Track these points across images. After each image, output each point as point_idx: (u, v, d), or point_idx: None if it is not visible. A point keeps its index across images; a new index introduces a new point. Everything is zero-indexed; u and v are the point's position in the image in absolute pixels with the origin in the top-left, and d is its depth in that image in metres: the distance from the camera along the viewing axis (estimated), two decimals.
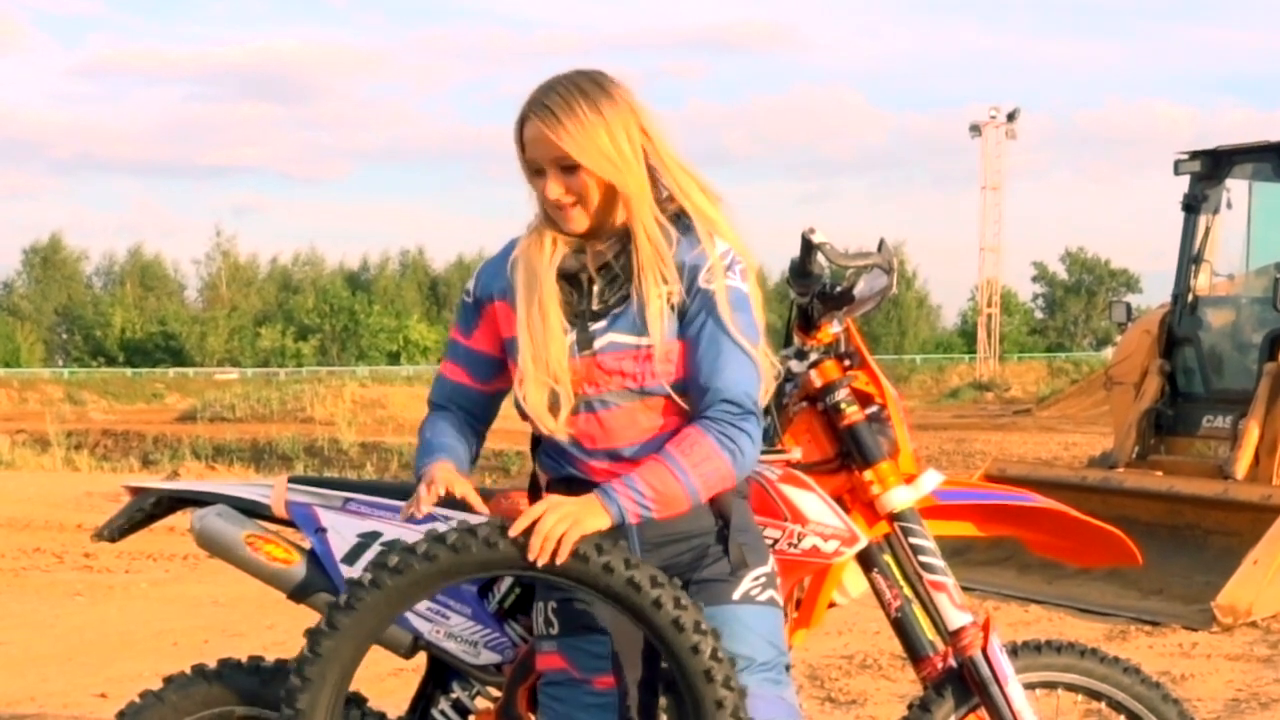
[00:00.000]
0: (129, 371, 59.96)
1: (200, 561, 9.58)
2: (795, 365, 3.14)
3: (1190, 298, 10.62)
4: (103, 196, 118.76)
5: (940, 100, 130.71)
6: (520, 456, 18.42)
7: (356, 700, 3.06)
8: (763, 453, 2.94)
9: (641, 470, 2.58)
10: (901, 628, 3.16)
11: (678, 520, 2.65)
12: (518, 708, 2.87)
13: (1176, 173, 10.68)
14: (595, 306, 2.66)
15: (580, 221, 2.66)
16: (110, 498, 12.44)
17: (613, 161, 2.62)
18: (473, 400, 2.84)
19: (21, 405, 43.52)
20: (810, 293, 3.08)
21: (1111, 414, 11.34)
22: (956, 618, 3.11)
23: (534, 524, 2.49)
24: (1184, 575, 8.31)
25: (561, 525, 2.48)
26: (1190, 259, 10.62)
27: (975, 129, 50.72)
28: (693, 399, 2.65)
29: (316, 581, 3.03)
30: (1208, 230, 10.61)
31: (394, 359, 67.96)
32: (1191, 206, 10.64)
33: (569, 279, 2.68)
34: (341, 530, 3.04)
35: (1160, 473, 9.65)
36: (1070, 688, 3.23)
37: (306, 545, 3.07)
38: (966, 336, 64.87)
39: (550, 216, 2.69)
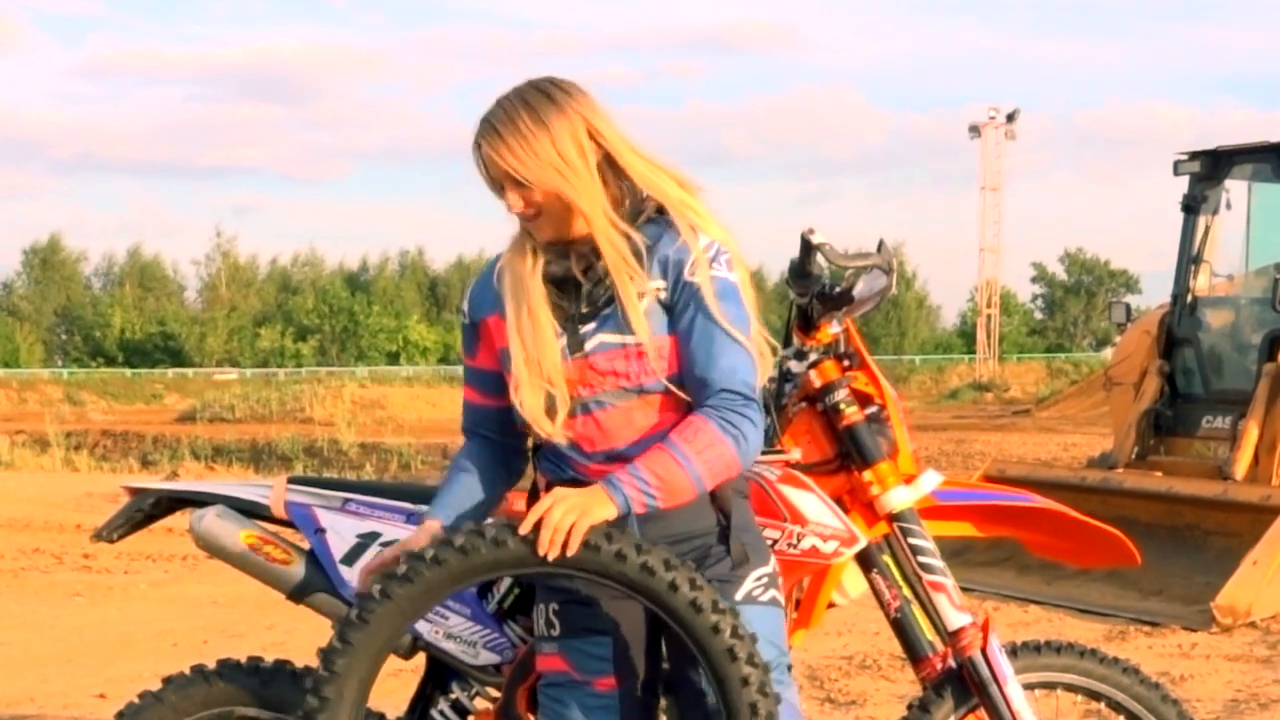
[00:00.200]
0: (128, 372, 59.96)
1: (199, 562, 9.58)
2: (795, 366, 3.14)
3: (1190, 298, 10.62)
4: (102, 197, 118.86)
5: (940, 100, 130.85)
6: None
7: None
8: (763, 453, 2.95)
9: (645, 459, 2.57)
10: (901, 628, 3.16)
11: (679, 520, 2.65)
12: (517, 708, 2.88)
13: (1176, 173, 10.68)
14: (584, 309, 2.66)
15: (546, 230, 2.67)
16: (109, 498, 12.43)
17: (559, 171, 2.61)
18: (494, 419, 2.82)
19: (21, 406, 43.52)
20: (810, 293, 3.08)
21: (1111, 414, 11.34)
22: (956, 618, 3.11)
23: (541, 519, 2.48)
24: (1183, 576, 8.31)
25: (570, 517, 2.47)
26: (1190, 259, 10.62)
27: (975, 129, 50.72)
28: (691, 393, 2.64)
29: (315, 582, 3.03)
30: (1207, 231, 10.62)
31: (393, 359, 67.98)
32: (1191, 207, 10.64)
33: (558, 283, 2.68)
34: (341, 531, 3.04)
35: (1160, 473, 9.65)
36: (1070, 688, 3.23)
37: (306, 546, 3.07)
38: (966, 337, 64.89)
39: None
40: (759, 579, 2.72)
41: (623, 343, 2.63)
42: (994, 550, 8.73)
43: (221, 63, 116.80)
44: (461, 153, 2.71)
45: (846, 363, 3.13)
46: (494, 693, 2.98)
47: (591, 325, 2.66)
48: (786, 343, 3.18)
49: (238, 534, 3.05)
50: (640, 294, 2.62)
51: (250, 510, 3.11)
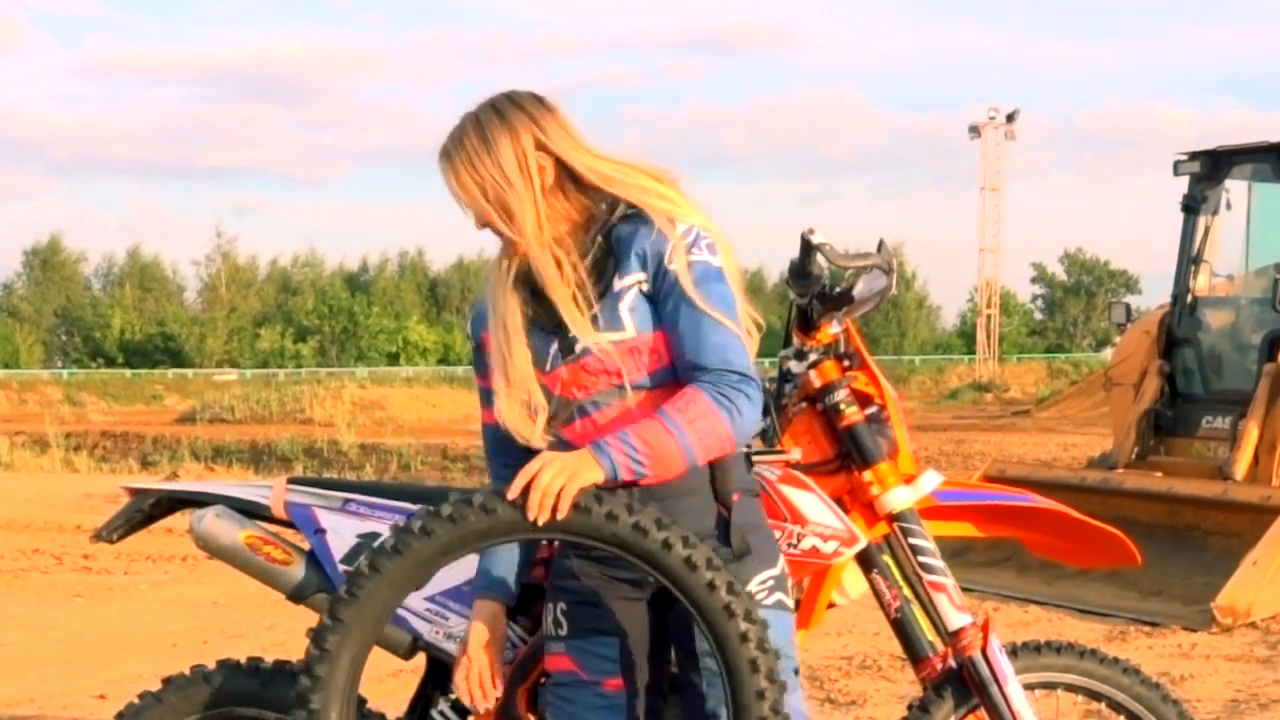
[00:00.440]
0: (128, 373, 59.94)
1: (199, 563, 9.58)
2: (795, 366, 3.14)
3: (1190, 298, 10.62)
4: (102, 197, 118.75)
5: (940, 101, 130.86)
6: None
7: (356, 701, 3.05)
8: (762, 453, 2.95)
9: (635, 425, 2.55)
10: (901, 628, 3.16)
11: (685, 520, 2.63)
12: (517, 708, 2.88)
13: (1176, 173, 10.69)
14: None
15: (516, 243, 2.68)
16: (109, 499, 12.43)
17: (500, 189, 2.62)
18: (512, 440, 2.78)
19: (21, 407, 43.51)
20: (810, 293, 3.08)
21: (1111, 415, 11.34)
22: (956, 618, 3.11)
23: (530, 483, 2.45)
24: (1184, 576, 8.31)
25: (559, 480, 2.45)
26: (1190, 260, 10.63)
27: (974, 130, 50.68)
28: (684, 380, 2.63)
29: (315, 582, 3.03)
30: (1207, 231, 10.62)
31: (393, 360, 67.95)
32: (1191, 207, 10.65)
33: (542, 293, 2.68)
34: (341, 531, 3.04)
35: (1160, 473, 9.65)
36: (1070, 688, 3.23)
37: (306, 546, 3.07)
38: (966, 337, 64.86)
39: None
40: (763, 582, 2.70)
41: (614, 339, 2.63)
42: (994, 550, 8.73)
43: (221, 63, 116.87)
44: None
45: (846, 363, 3.13)
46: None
47: None
48: (786, 343, 3.18)
49: (238, 534, 3.05)
50: (620, 291, 2.62)
51: (250, 511, 3.11)
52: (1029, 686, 3.14)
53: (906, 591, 3.13)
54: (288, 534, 3.09)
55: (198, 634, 7.62)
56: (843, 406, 3.08)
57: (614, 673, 2.67)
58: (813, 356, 3.12)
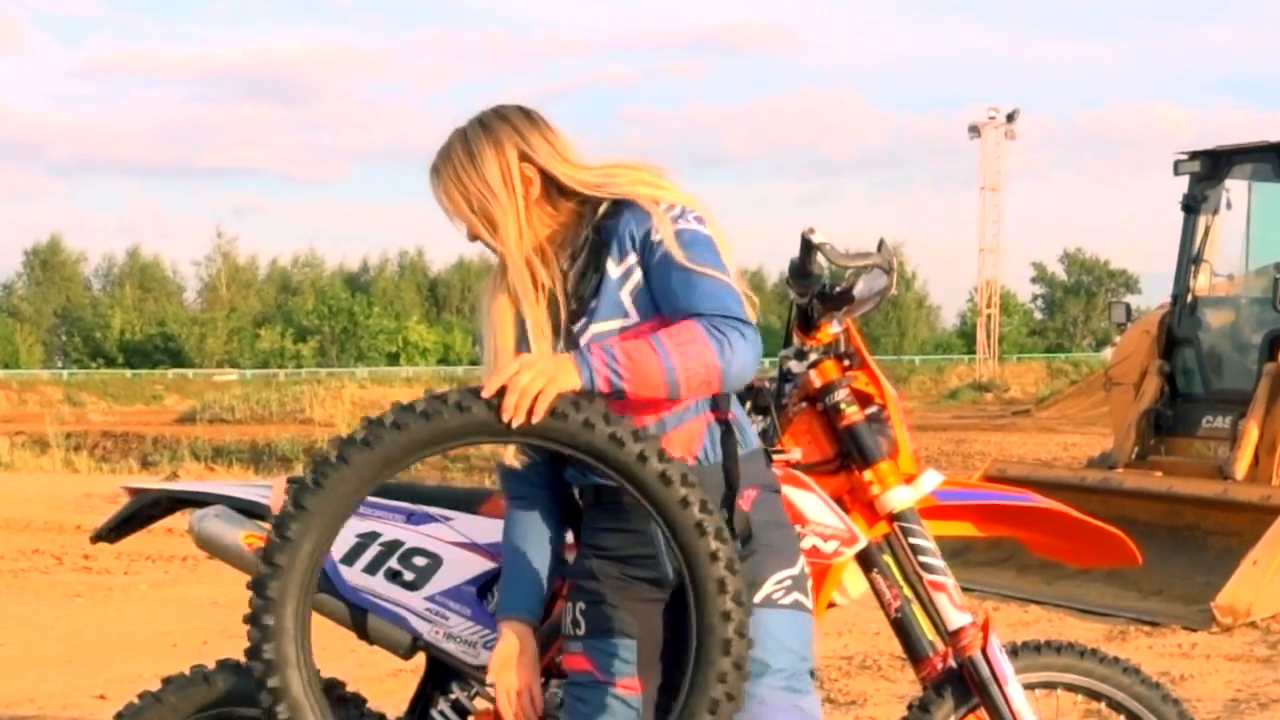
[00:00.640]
0: (128, 373, 59.95)
1: (199, 563, 9.58)
2: (795, 365, 3.14)
3: (1190, 298, 10.63)
4: (102, 197, 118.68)
5: (940, 101, 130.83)
6: None
7: (355, 701, 3.06)
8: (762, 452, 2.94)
9: (623, 340, 2.56)
10: (901, 628, 3.16)
11: None
12: None
13: (1176, 173, 10.69)
14: (573, 306, 2.69)
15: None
16: (109, 499, 12.44)
17: (484, 197, 2.66)
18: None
19: (21, 407, 43.50)
20: (810, 293, 3.08)
21: (1111, 414, 11.35)
22: (956, 618, 3.11)
23: (507, 384, 2.44)
24: (1184, 576, 8.31)
25: (538, 383, 2.43)
26: (1190, 259, 10.63)
27: (974, 130, 50.68)
28: None
29: (315, 582, 3.02)
30: (1207, 230, 10.63)
31: (393, 360, 67.96)
32: (1191, 207, 10.65)
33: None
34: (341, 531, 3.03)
35: (1160, 473, 9.65)
36: (1070, 688, 3.23)
37: None
38: (966, 337, 64.86)
39: None
40: (779, 581, 2.70)
41: (621, 326, 2.64)
42: (994, 550, 8.73)
43: (222, 63, 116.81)
44: None
45: (847, 362, 3.13)
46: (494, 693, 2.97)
47: (583, 321, 2.68)
48: (786, 342, 3.18)
49: (238, 534, 3.05)
50: (618, 278, 2.64)
51: (250, 511, 3.11)
52: (1029, 686, 3.14)
53: (907, 591, 3.13)
54: None
55: (198, 634, 7.61)
56: (843, 406, 3.08)
57: (630, 674, 2.68)
58: (813, 356, 3.13)
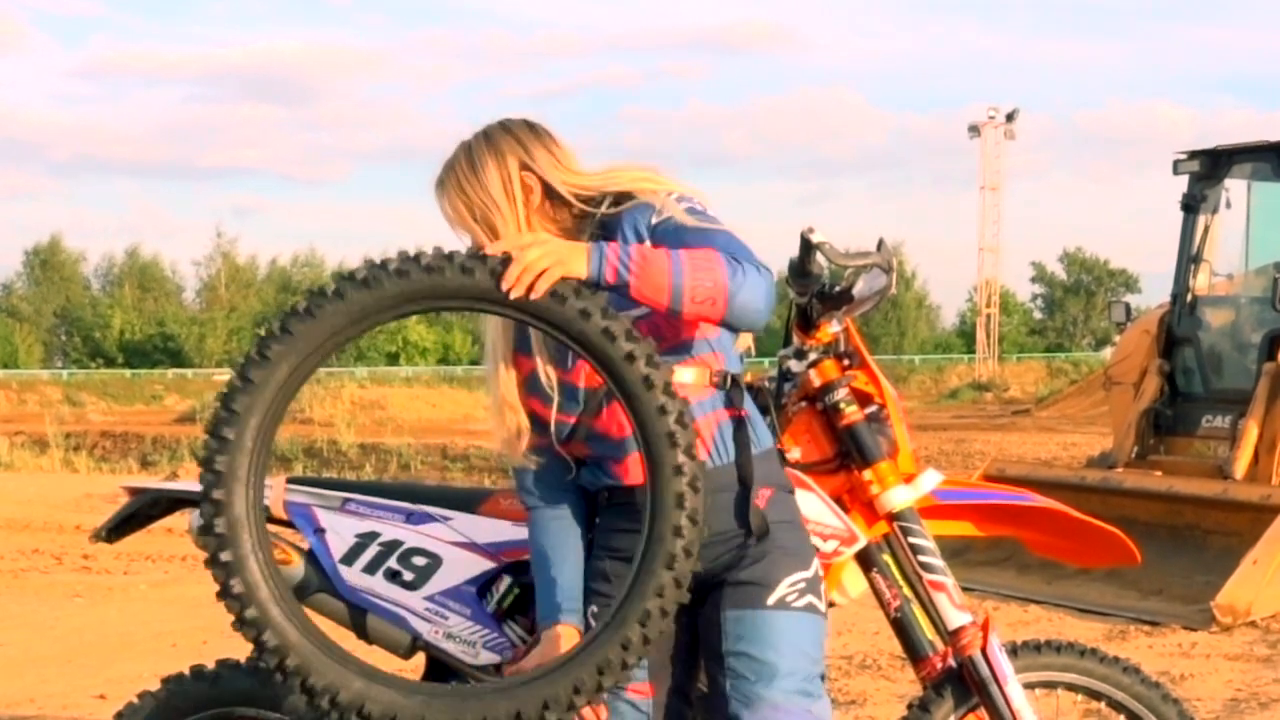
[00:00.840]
0: (128, 373, 59.92)
1: (199, 562, 9.53)
2: (794, 365, 3.14)
3: (1189, 297, 10.63)
4: (102, 197, 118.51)
5: (939, 100, 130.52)
6: None
7: None
8: None
9: (641, 245, 2.59)
10: (901, 628, 3.16)
11: (715, 518, 2.63)
12: None
13: (1176, 172, 10.69)
14: None
15: None
16: (109, 499, 12.43)
17: (486, 206, 2.69)
18: (548, 454, 2.80)
19: (20, 407, 43.47)
20: (809, 292, 3.08)
21: (1111, 414, 11.35)
22: (956, 617, 3.11)
23: (513, 255, 2.45)
24: (1184, 575, 8.32)
25: (545, 260, 2.44)
26: (1189, 259, 10.63)
27: (974, 129, 50.66)
28: None
29: (315, 582, 3.03)
30: (1207, 230, 10.63)
31: (393, 360, 67.97)
32: (1191, 206, 10.65)
33: None
34: (340, 531, 3.03)
35: (1160, 473, 9.65)
36: (1070, 688, 3.23)
37: (305, 546, 3.07)
38: (965, 337, 64.84)
39: None
40: (794, 584, 2.71)
41: (637, 314, 2.64)
42: (994, 550, 8.73)
43: (221, 63, 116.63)
44: None
45: (846, 362, 3.13)
46: None
47: None
48: (786, 342, 3.19)
49: None
50: None
51: None
52: (1029, 686, 3.14)
53: (906, 591, 3.13)
54: (287, 534, 3.09)
55: (198, 634, 7.60)
56: (842, 405, 3.08)
57: (641, 678, 2.69)
58: (812, 355, 3.13)
